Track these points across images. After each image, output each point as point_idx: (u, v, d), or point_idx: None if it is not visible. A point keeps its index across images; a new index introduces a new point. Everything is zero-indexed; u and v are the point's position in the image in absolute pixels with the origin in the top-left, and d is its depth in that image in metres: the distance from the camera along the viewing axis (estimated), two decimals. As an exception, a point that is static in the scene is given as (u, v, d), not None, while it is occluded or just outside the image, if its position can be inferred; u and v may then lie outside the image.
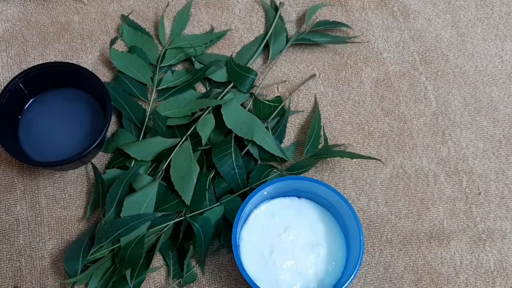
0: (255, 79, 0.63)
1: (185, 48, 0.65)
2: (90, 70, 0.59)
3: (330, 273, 0.52)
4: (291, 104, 0.64)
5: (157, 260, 0.56)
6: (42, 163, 0.56)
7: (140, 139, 0.60)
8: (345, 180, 0.60)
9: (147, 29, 0.67)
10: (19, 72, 0.58)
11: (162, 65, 0.64)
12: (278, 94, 0.64)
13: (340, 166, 0.61)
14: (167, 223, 0.55)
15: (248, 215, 0.54)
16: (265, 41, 0.66)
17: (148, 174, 0.58)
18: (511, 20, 0.69)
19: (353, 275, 0.49)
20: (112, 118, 0.59)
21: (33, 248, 0.57)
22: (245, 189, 0.57)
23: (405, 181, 0.60)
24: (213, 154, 0.57)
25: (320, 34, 0.66)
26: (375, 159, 0.59)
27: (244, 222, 0.54)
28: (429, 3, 0.70)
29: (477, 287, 0.56)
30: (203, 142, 0.58)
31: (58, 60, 0.65)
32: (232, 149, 0.58)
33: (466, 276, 0.56)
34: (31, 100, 0.60)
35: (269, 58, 0.65)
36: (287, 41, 0.66)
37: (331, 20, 0.68)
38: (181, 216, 0.56)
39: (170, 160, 0.57)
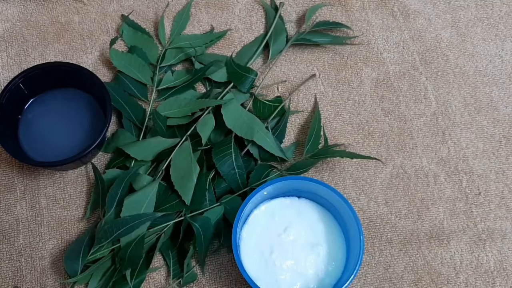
0: (255, 79, 0.63)
1: (185, 48, 0.65)
2: (90, 70, 0.59)
3: (330, 273, 0.52)
4: (291, 104, 0.64)
5: (157, 260, 0.56)
6: (42, 163, 0.56)
7: (140, 139, 0.60)
8: (345, 180, 0.60)
9: (147, 29, 0.67)
10: (19, 72, 0.58)
11: (162, 65, 0.64)
12: (278, 94, 0.64)
13: (340, 166, 0.61)
14: (167, 223, 0.55)
15: (248, 215, 0.54)
16: (265, 41, 0.66)
17: (148, 174, 0.58)
18: (511, 20, 0.69)
19: (353, 275, 0.49)
20: (112, 118, 0.59)
21: (33, 248, 0.57)
22: (245, 189, 0.57)
23: (405, 181, 0.60)
24: (213, 154, 0.57)
25: (320, 34, 0.66)
26: (375, 159, 0.59)
27: (244, 222, 0.54)
28: (429, 3, 0.70)
29: (477, 287, 0.56)
30: (203, 142, 0.58)
31: (58, 60, 0.65)
32: (232, 149, 0.58)
33: (466, 276, 0.56)
34: (31, 100, 0.60)
35: (269, 58, 0.65)
36: (287, 41, 0.66)
37: (331, 20, 0.68)
38: (181, 216, 0.56)
39: (170, 160, 0.57)
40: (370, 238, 0.58)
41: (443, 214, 0.59)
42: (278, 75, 0.66)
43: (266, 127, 0.60)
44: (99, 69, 0.65)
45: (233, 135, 0.58)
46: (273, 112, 0.61)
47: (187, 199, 0.55)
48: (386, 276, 0.56)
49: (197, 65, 0.64)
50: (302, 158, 0.60)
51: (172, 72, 0.63)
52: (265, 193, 0.53)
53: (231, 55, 0.64)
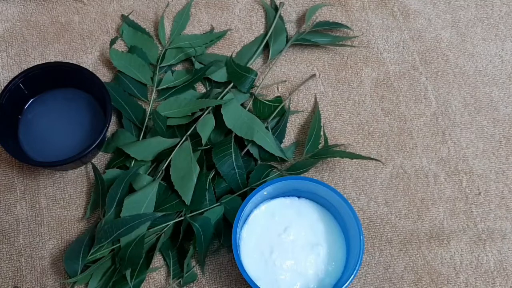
0: (255, 79, 0.63)
1: (185, 48, 0.65)
2: (90, 70, 0.59)
3: (330, 273, 0.52)
4: (291, 104, 0.64)
5: (157, 260, 0.56)
6: (42, 163, 0.56)
7: (140, 139, 0.60)
8: (345, 180, 0.60)
9: (147, 29, 0.67)
10: (19, 72, 0.58)
11: (162, 65, 0.64)
12: (278, 94, 0.64)
13: (340, 166, 0.61)
14: (167, 223, 0.55)
15: (248, 215, 0.54)
16: (265, 41, 0.66)
17: (148, 174, 0.58)
18: (511, 20, 0.69)
19: (353, 275, 0.49)
20: (112, 118, 0.59)
21: (33, 248, 0.57)
22: (245, 189, 0.57)
23: (405, 181, 0.60)
24: (213, 154, 0.57)
25: (320, 34, 0.66)
26: (375, 159, 0.59)
27: (244, 222, 0.54)
28: (429, 3, 0.70)
29: (477, 287, 0.56)
30: (203, 142, 0.58)
31: (58, 60, 0.65)
32: (232, 149, 0.58)
33: (466, 276, 0.56)
34: (31, 100, 0.60)
35: (269, 58, 0.65)
36: (287, 41, 0.66)
37: (331, 20, 0.68)
38: (181, 216, 0.56)
39: (170, 160, 0.57)
40: (370, 238, 0.58)
41: (443, 214, 0.59)
42: (278, 75, 0.66)
43: (266, 127, 0.60)
44: (99, 69, 0.65)
45: (233, 135, 0.58)
46: (273, 112, 0.61)
47: (187, 199, 0.55)
48: (386, 276, 0.56)
49: (197, 65, 0.64)
50: (302, 158, 0.60)
51: (172, 72, 0.63)
52: (265, 193, 0.53)
53: (231, 55, 0.64)
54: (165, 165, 0.57)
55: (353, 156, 0.58)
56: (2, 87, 0.59)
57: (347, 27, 0.67)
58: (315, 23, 0.67)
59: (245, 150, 0.59)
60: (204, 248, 0.54)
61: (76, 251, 0.54)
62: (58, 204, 0.59)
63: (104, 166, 0.60)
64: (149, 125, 0.61)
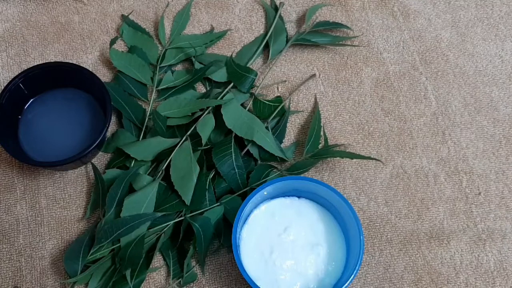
0: (255, 79, 0.63)
1: (185, 48, 0.65)
2: (90, 70, 0.59)
3: (330, 273, 0.52)
4: (291, 104, 0.64)
5: (157, 260, 0.56)
6: (42, 163, 0.56)
7: (140, 139, 0.60)
8: (345, 180, 0.60)
9: (147, 29, 0.67)
10: (19, 72, 0.58)
11: (162, 65, 0.64)
12: (278, 94, 0.64)
13: (340, 166, 0.61)
14: (167, 223, 0.55)
15: (248, 215, 0.54)
16: (265, 41, 0.66)
17: (148, 174, 0.58)
18: (511, 20, 0.69)
19: (353, 275, 0.49)
20: (112, 118, 0.59)
21: (33, 248, 0.57)
22: (245, 189, 0.57)
23: (405, 181, 0.60)
24: (213, 154, 0.57)
25: (320, 34, 0.66)
26: (375, 159, 0.59)
27: (244, 222, 0.54)
28: (429, 3, 0.70)
29: (477, 287, 0.56)
30: (203, 142, 0.58)
31: (58, 60, 0.65)
32: (232, 149, 0.58)
33: (466, 276, 0.56)
34: (31, 100, 0.60)
35: (269, 58, 0.65)
36: (287, 41, 0.66)
37: (331, 20, 0.68)
38: (181, 216, 0.56)
39: (170, 160, 0.57)
40: (370, 238, 0.58)
41: (443, 214, 0.59)
42: (278, 75, 0.66)
43: (266, 127, 0.60)
44: (99, 69, 0.65)
45: (233, 135, 0.58)
46: (273, 112, 0.61)
47: (187, 199, 0.55)
48: (386, 276, 0.56)
49: (197, 65, 0.64)
50: (302, 158, 0.60)
51: (172, 72, 0.63)
52: (265, 193, 0.53)
53: (231, 55, 0.64)
54: (165, 165, 0.57)
55: (353, 156, 0.58)
56: (2, 87, 0.59)
57: (347, 27, 0.67)
58: (315, 23, 0.67)
59: (245, 150, 0.59)
60: (204, 248, 0.54)
61: (76, 251, 0.54)
62: (58, 204, 0.59)
63: (104, 166, 0.60)
64: (149, 125, 0.61)
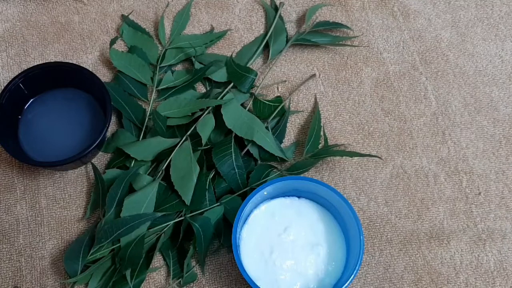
0: (255, 79, 0.63)
1: (185, 48, 0.65)
2: (90, 70, 0.59)
3: (330, 273, 0.52)
4: (291, 104, 0.64)
5: (157, 260, 0.56)
6: (42, 163, 0.56)
7: (140, 139, 0.60)
8: (345, 180, 0.60)
9: (147, 29, 0.67)
10: (19, 72, 0.58)
11: (162, 65, 0.64)
12: (278, 94, 0.64)
13: (340, 166, 0.61)
14: (167, 223, 0.55)
15: (248, 215, 0.54)
16: (265, 41, 0.66)
17: (148, 174, 0.58)
18: (511, 20, 0.69)
19: (353, 275, 0.49)
20: (112, 118, 0.59)
21: (33, 248, 0.57)
22: (245, 189, 0.57)
23: (405, 181, 0.60)
24: (213, 154, 0.57)
25: (320, 34, 0.66)
26: (375, 156, 0.59)
27: (244, 222, 0.54)
28: (429, 3, 0.70)
29: (477, 287, 0.56)
30: (203, 142, 0.58)
31: (58, 60, 0.65)
32: (232, 149, 0.58)
33: (466, 276, 0.56)
34: (31, 100, 0.60)
35: (269, 58, 0.65)
36: (287, 41, 0.66)
37: (331, 20, 0.68)
38: (181, 216, 0.56)
39: (170, 160, 0.57)
40: (370, 238, 0.58)
41: (443, 214, 0.59)
42: (278, 75, 0.66)
43: (266, 127, 0.60)
44: (99, 69, 0.65)
45: (233, 135, 0.58)
46: (273, 112, 0.61)
47: (187, 199, 0.55)
48: (386, 276, 0.56)
49: (197, 65, 0.64)
50: (302, 158, 0.60)
51: (172, 72, 0.63)
52: (265, 193, 0.53)
53: (231, 55, 0.64)
54: (165, 165, 0.57)
55: (353, 154, 0.58)
56: (2, 87, 0.59)
57: (347, 27, 0.67)
58: (315, 23, 0.67)
59: (245, 150, 0.59)
60: (204, 248, 0.54)
61: (76, 251, 0.54)
62: (58, 204, 0.59)
63: (104, 166, 0.60)
64: (149, 125, 0.61)
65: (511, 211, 0.59)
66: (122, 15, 0.68)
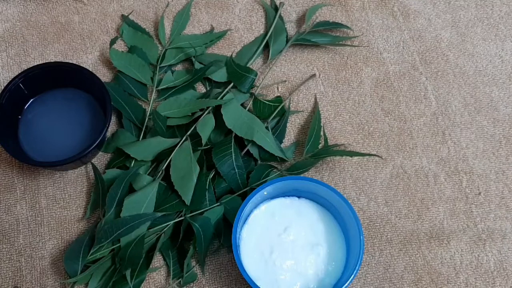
0: (255, 79, 0.63)
1: (185, 48, 0.65)
2: (90, 70, 0.59)
3: (330, 273, 0.52)
4: (291, 104, 0.64)
5: (157, 260, 0.56)
6: (42, 163, 0.56)
7: (140, 139, 0.60)
8: (345, 180, 0.60)
9: (147, 29, 0.67)
10: (19, 72, 0.58)
11: (162, 65, 0.64)
12: (278, 94, 0.64)
13: (340, 166, 0.61)
14: (167, 223, 0.55)
15: (248, 215, 0.54)
16: (265, 41, 0.66)
17: (148, 174, 0.58)
18: (511, 20, 0.69)
19: (353, 275, 0.49)
20: (112, 118, 0.59)
21: (33, 248, 0.57)
22: (245, 189, 0.57)
23: (405, 181, 0.60)
24: (213, 154, 0.57)
25: (320, 34, 0.66)
26: (375, 155, 0.59)
27: (244, 222, 0.54)
28: (429, 3, 0.70)
29: (477, 287, 0.56)
30: (203, 142, 0.58)
31: (58, 60, 0.65)
32: (232, 149, 0.58)
33: (466, 276, 0.56)
34: (31, 100, 0.60)
35: (269, 58, 0.65)
36: (287, 41, 0.66)
37: (331, 20, 0.68)
38: (181, 216, 0.56)
39: (170, 160, 0.57)
40: (370, 238, 0.58)
41: (443, 214, 0.59)
42: (278, 75, 0.66)
43: (266, 127, 0.60)
44: (99, 69, 0.65)
45: (233, 135, 0.58)
46: (273, 112, 0.61)
47: (187, 199, 0.55)
48: (386, 276, 0.56)
49: (197, 65, 0.64)
50: (302, 158, 0.60)
51: (172, 72, 0.63)
52: (265, 193, 0.53)
53: (231, 55, 0.64)
54: (165, 165, 0.57)
55: (353, 154, 0.58)
56: (2, 87, 0.59)
57: (347, 27, 0.67)
58: (315, 23, 0.67)
59: (245, 150, 0.59)
60: (204, 248, 0.54)
61: (76, 251, 0.54)
62: (58, 204, 0.59)
63: (104, 166, 0.60)
64: (149, 125, 0.61)
65: (511, 211, 0.59)
66: (122, 15, 0.68)
